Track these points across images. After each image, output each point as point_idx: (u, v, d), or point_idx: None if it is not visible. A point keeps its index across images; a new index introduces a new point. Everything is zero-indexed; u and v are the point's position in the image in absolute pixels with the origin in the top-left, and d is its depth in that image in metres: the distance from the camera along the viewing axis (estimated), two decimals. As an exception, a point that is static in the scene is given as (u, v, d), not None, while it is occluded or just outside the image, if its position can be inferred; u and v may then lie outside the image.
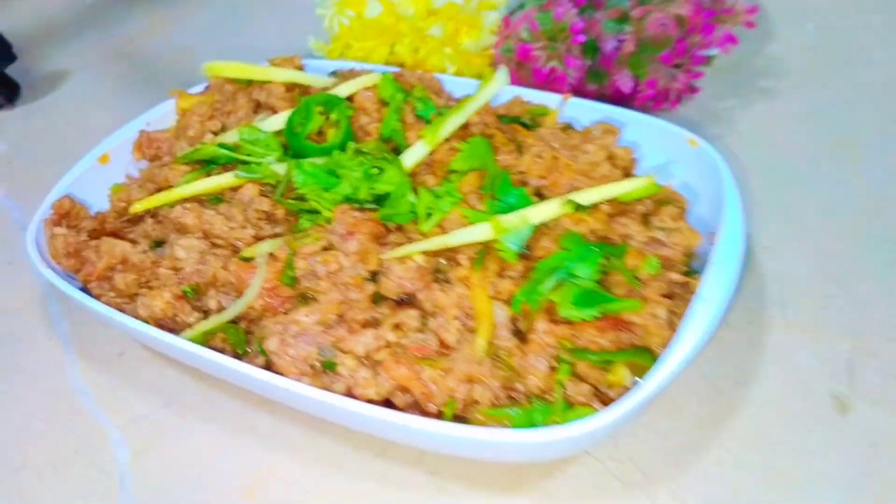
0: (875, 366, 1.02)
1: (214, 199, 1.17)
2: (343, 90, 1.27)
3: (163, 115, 1.49)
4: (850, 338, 1.06)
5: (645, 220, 1.05)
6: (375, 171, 1.13)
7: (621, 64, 1.52)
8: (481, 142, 1.10)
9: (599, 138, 1.18)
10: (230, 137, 1.27)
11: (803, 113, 1.54)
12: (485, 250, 1.02)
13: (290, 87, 1.37)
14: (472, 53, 1.66)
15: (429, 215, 1.05)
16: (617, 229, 1.03)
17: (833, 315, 1.10)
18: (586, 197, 1.02)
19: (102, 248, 1.17)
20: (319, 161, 1.18)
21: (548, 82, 1.53)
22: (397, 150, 1.19)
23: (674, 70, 1.47)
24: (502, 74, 1.13)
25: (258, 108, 1.38)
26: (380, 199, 1.08)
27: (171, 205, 1.18)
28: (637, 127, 1.27)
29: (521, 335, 0.97)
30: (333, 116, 1.24)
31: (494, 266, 1.02)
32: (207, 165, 1.23)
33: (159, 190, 1.25)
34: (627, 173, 1.17)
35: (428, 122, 1.21)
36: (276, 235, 1.12)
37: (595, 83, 1.57)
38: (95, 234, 1.27)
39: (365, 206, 1.08)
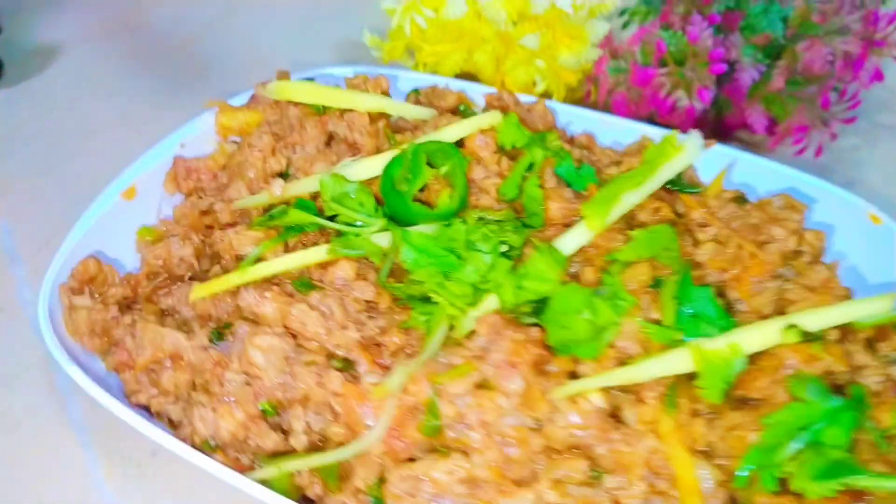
0: None
1: (302, 283, 0.89)
2: (451, 133, 0.99)
3: (199, 134, 1.19)
4: None
5: (870, 345, 0.82)
6: (507, 248, 0.87)
7: (754, 98, 1.28)
8: (666, 231, 0.85)
9: (785, 217, 0.94)
10: (305, 186, 0.98)
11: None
12: (676, 383, 0.78)
13: (375, 116, 1.08)
14: (566, 69, 1.39)
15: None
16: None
17: None
18: (814, 321, 0.77)
19: (144, 336, 0.89)
20: (429, 229, 0.91)
21: (667, 113, 1.27)
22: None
23: (826, 114, 1.22)
24: (696, 140, 0.87)
25: (331, 140, 1.09)
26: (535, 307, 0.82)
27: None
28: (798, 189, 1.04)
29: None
30: (444, 170, 0.97)
31: (685, 402, 0.78)
32: (287, 231, 0.94)
33: (215, 255, 0.97)
34: (815, 261, 0.94)
35: (571, 186, 0.95)
36: (381, 332, 0.85)
37: (711, 113, 1.32)
38: (127, 304, 0.98)
39: (520, 319, 0.81)
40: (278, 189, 0.99)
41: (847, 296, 0.84)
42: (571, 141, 1.16)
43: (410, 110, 1.08)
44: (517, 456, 0.74)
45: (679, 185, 0.99)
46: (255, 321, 0.87)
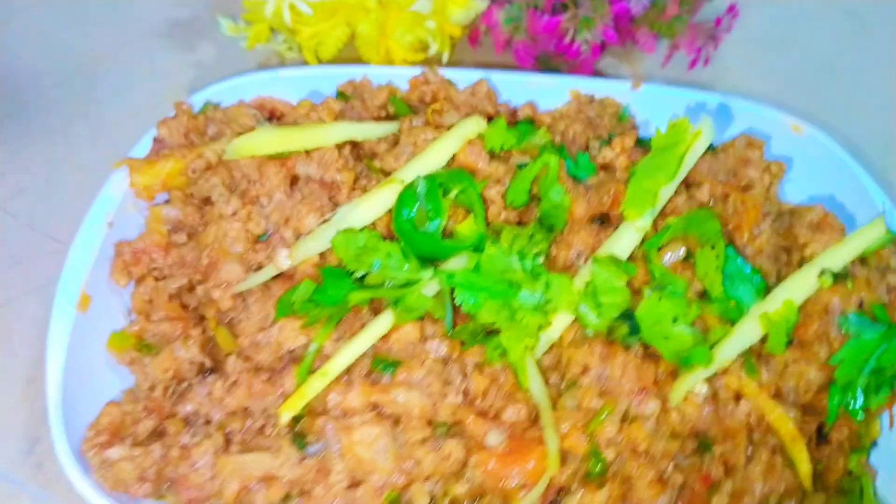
0: None
1: (382, 363, 0.83)
2: (444, 152, 0.95)
3: (120, 205, 1.02)
4: None
5: (864, 262, 0.96)
6: (542, 258, 0.89)
7: (641, 24, 1.34)
8: (707, 215, 0.90)
9: (750, 157, 1.04)
10: (313, 248, 0.90)
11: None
12: (750, 350, 0.87)
13: (340, 144, 0.99)
14: (455, 26, 1.35)
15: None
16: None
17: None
18: (836, 261, 0.90)
19: (224, 469, 0.80)
20: (462, 262, 0.89)
21: (574, 56, 1.30)
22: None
23: (712, 28, 1.32)
24: (709, 124, 0.91)
25: (293, 182, 0.99)
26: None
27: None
28: (713, 111, 1.14)
29: (823, 437, 0.87)
30: (455, 195, 0.93)
31: (754, 360, 0.88)
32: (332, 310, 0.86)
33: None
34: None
35: (576, 178, 0.97)
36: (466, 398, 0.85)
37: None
38: (157, 435, 0.87)
39: (619, 339, 0.84)
40: (286, 260, 0.90)
41: (842, 228, 0.97)
42: (514, 113, 1.16)
43: (378, 129, 1.00)
44: (661, 463, 0.80)
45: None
46: (342, 413, 0.82)
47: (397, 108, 1.13)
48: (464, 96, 1.12)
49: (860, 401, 0.84)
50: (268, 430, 0.87)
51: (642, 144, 1.08)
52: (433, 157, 0.95)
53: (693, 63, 1.33)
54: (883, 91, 1.39)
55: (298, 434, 0.83)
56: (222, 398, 0.89)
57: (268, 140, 0.94)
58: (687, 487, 0.84)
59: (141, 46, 1.48)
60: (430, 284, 0.87)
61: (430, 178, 0.91)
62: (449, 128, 1.05)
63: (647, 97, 1.17)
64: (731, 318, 0.89)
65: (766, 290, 0.91)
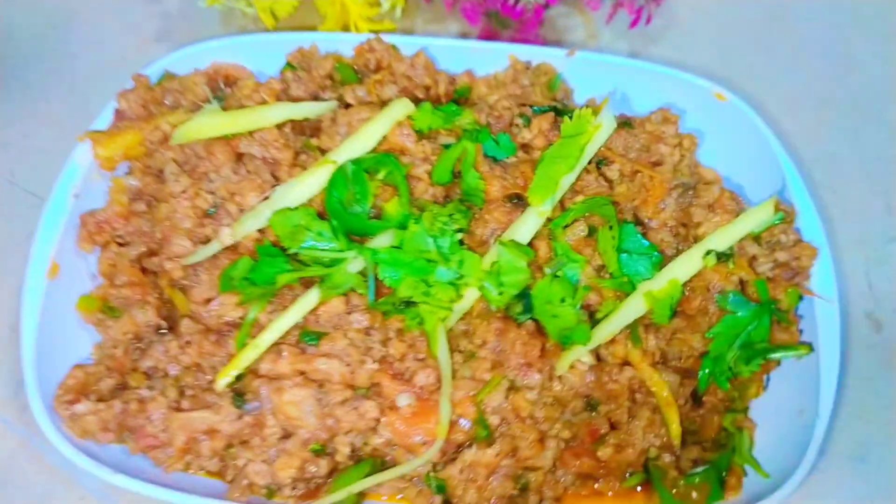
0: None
1: (308, 336, 0.96)
2: (374, 135, 1.04)
3: (84, 176, 1.12)
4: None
5: (757, 239, 1.05)
6: (461, 234, 0.99)
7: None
8: (603, 201, 0.99)
9: (664, 132, 1.11)
10: (252, 226, 1.01)
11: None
12: (638, 321, 0.98)
13: (281, 123, 1.08)
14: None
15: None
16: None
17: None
18: (722, 242, 0.99)
19: (173, 424, 0.94)
20: (387, 239, 0.99)
21: (518, 17, 1.34)
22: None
23: (654, -13, 1.36)
24: (609, 117, 0.98)
25: (239, 158, 1.08)
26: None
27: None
28: (643, 79, 1.20)
29: (698, 400, 0.99)
30: (382, 177, 1.02)
31: (641, 329, 1.00)
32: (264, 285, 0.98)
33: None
34: (690, 160, 1.14)
35: (495, 158, 1.05)
36: (384, 363, 0.97)
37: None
38: (122, 389, 1.01)
39: (514, 316, 0.96)
40: (228, 238, 1.00)
41: (737, 207, 1.05)
42: (453, 80, 1.22)
43: (314, 109, 1.08)
44: (543, 425, 0.93)
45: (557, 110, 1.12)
46: (271, 379, 0.95)
47: (343, 74, 1.20)
48: (404, 67, 1.18)
49: (729, 371, 0.96)
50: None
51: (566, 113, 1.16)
52: (365, 139, 1.04)
53: (634, 22, 1.37)
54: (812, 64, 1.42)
55: (238, 393, 0.96)
56: (177, 356, 1.02)
57: (212, 124, 1.03)
58: (577, 439, 0.97)
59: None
60: (355, 261, 0.98)
61: (358, 163, 1.00)
62: (385, 103, 1.13)
63: (581, 65, 1.23)
64: (626, 291, 0.99)
65: (662, 263, 1.01)
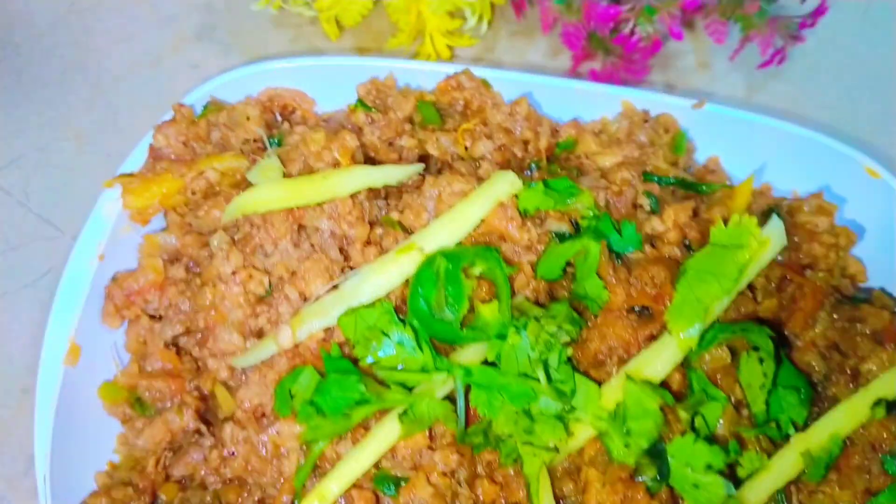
0: None
1: (384, 481, 0.78)
2: (473, 218, 0.84)
3: (112, 233, 0.93)
4: None
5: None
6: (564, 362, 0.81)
7: (712, 12, 1.15)
8: (758, 330, 0.80)
9: (817, 226, 0.92)
10: (317, 325, 0.82)
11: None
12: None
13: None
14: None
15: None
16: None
17: None
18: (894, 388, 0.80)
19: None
20: (479, 351, 0.81)
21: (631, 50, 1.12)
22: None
23: (795, 23, 1.13)
24: (779, 228, 0.78)
25: (302, 229, 0.89)
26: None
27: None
28: (784, 143, 1.00)
29: None
30: (479, 271, 0.83)
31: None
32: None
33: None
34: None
35: (616, 252, 0.86)
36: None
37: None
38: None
39: (636, 472, 0.77)
40: (287, 340, 0.82)
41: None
42: (556, 132, 1.02)
43: (396, 174, 0.88)
44: None
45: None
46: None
47: (425, 115, 1.00)
48: (500, 117, 0.98)
49: (896, 553, 0.78)
50: (266, 506, 0.83)
51: (695, 188, 0.96)
52: (460, 223, 0.84)
53: (765, 64, 1.14)
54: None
55: (295, 532, 0.79)
56: (218, 467, 0.85)
57: (273, 198, 0.83)
58: None
59: (140, -21, 1.31)
60: (443, 386, 0.80)
61: (453, 257, 0.80)
62: (477, 160, 0.93)
63: (709, 119, 1.02)
64: (771, 437, 0.81)
65: (810, 400, 0.83)
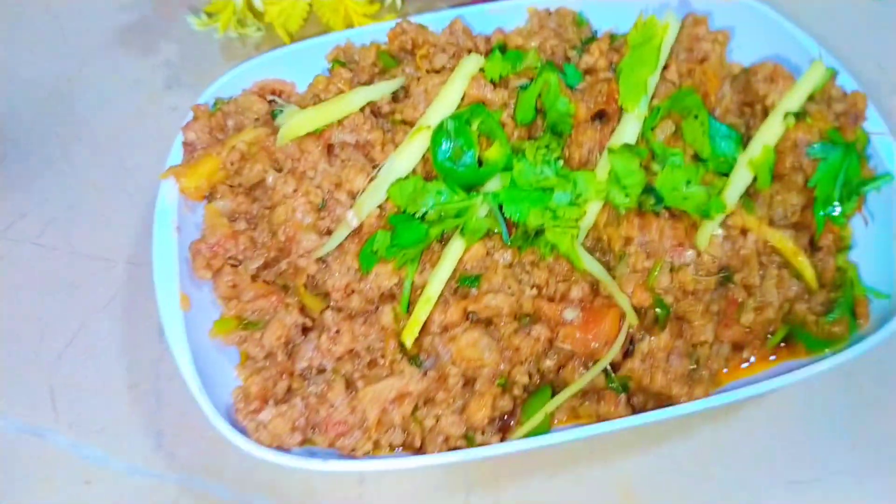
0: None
1: (468, 280, 1.00)
2: (456, 92, 1.09)
3: (179, 209, 1.13)
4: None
5: (812, 99, 1.15)
6: (560, 167, 1.06)
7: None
8: (686, 92, 1.08)
9: (700, 33, 1.21)
10: (374, 201, 1.04)
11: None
12: (746, 193, 1.07)
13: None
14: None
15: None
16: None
17: None
18: (794, 103, 1.09)
19: (364, 401, 0.97)
20: (497, 183, 1.05)
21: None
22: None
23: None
24: (675, 18, 1.07)
25: (330, 151, 1.11)
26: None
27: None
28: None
29: (814, 246, 1.08)
30: (476, 126, 1.08)
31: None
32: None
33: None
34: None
35: (572, 88, 1.12)
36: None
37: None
38: (289, 393, 1.02)
39: (650, 207, 1.03)
40: (353, 219, 1.03)
41: (791, 76, 1.16)
42: (488, 41, 1.29)
43: (389, 86, 1.13)
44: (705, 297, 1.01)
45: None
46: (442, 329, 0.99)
47: (385, 62, 1.25)
48: (443, 37, 1.24)
49: (838, 209, 1.06)
50: (379, 362, 1.02)
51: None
52: (448, 99, 1.09)
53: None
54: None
55: (411, 356, 0.99)
56: (330, 348, 1.03)
57: (308, 118, 1.07)
58: (721, 313, 1.05)
59: (102, 58, 1.53)
60: (481, 207, 1.03)
61: (456, 117, 1.05)
62: (440, 70, 1.18)
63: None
64: (723, 171, 1.08)
65: (742, 140, 1.10)
